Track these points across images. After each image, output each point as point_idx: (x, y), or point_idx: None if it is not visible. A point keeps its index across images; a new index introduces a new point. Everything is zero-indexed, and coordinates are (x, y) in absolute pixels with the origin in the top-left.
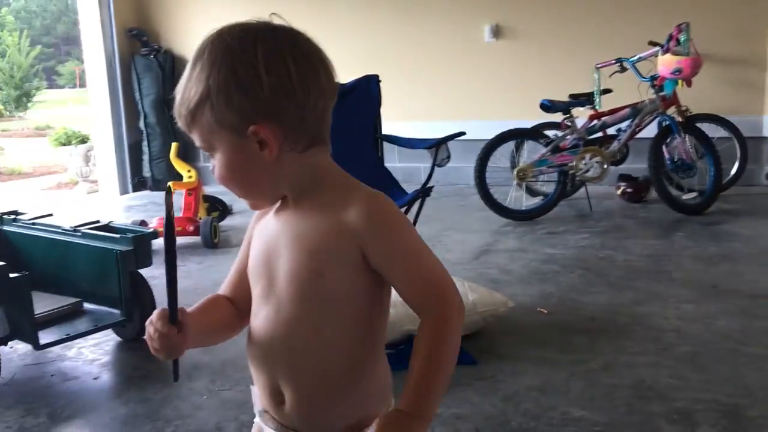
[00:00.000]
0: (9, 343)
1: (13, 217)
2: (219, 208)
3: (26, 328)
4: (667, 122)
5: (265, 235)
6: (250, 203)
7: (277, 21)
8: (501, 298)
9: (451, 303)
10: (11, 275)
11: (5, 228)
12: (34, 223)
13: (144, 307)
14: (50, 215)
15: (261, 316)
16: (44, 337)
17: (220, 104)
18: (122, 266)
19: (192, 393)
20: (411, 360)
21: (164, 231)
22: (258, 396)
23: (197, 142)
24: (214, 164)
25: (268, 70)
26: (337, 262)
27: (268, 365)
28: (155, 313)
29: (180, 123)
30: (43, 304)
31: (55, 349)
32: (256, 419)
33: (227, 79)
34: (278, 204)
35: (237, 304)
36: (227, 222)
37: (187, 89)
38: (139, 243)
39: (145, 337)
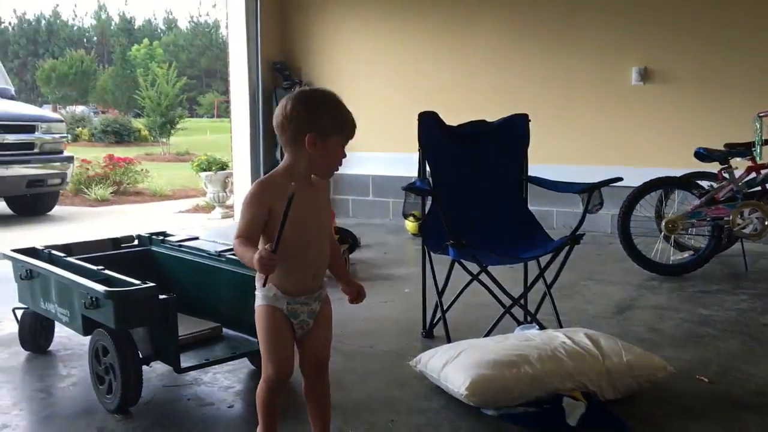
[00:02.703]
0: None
1: (161, 238)
2: (349, 241)
3: (170, 351)
4: None
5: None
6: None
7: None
8: (659, 362)
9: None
10: (160, 297)
11: (154, 248)
12: (180, 246)
13: None
14: (196, 238)
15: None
16: (184, 360)
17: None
18: None
19: None
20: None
21: (285, 205)
22: (289, 293)
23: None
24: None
25: None
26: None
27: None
28: (265, 247)
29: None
30: (185, 326)
31: (192, 372)
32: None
33: None
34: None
35: None
36: (356, 255)
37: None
38: None
39: (255, 259)
